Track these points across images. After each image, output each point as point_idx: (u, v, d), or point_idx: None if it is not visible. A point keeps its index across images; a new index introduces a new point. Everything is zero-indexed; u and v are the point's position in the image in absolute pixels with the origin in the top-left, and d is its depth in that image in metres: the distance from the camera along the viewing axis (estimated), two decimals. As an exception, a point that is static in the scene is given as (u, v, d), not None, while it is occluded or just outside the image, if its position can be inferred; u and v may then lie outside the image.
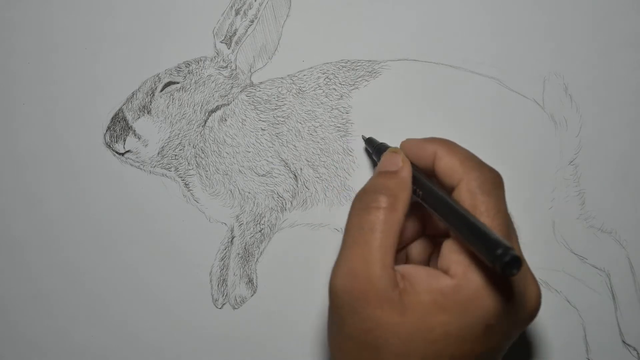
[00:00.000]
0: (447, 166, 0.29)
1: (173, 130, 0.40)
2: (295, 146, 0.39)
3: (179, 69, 0.40)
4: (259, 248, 0.39)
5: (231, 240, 0.40)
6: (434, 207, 0.28)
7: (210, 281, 0.39)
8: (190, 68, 0.40)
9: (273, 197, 0.40)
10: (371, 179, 0.30)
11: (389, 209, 0.27)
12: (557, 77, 0.39)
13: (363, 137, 0.38)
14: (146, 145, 0.40)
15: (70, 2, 0.40)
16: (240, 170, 0.40)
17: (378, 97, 0.39)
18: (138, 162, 0.40)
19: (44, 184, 0.40)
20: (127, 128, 0.39)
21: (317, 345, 0.39)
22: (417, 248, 0.33)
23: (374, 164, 0.38)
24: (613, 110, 0.39)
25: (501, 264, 0.23)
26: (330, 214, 0.39)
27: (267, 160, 0.39)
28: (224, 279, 0.39)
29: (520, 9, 0.39)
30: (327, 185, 0.39)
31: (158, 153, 0.40)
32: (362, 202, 0.28)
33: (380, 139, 0.37)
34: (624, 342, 0.38)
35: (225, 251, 0.40)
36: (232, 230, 0.40)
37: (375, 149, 0.36)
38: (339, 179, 0.39)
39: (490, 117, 0.39)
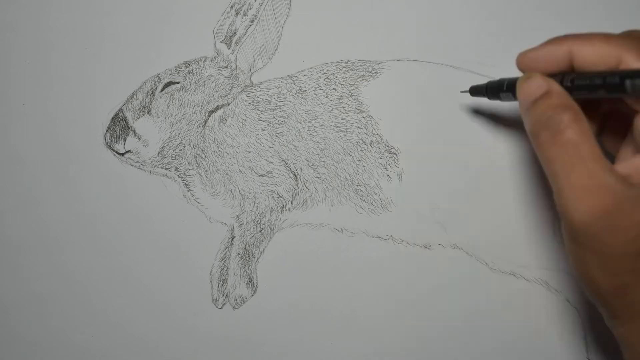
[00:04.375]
0: (594, 53, 0.27)
1: (173, 131, 0.40)
2: (295, 146, 0.39)
3: (179, 69, 0.40)
4: (259, 248, 0.39)
5: (231, 240, 0.40)
6: (608, 89, 0.26)
7: (211, 281, 0.39)
8: (191, 68, 0.40)
9: (273, 197, 0.40)
10: (530, 114, 0.29)
11: (576, 120, 0.26)
12: (557, 77, 0.39)
13: (463, 91, 0.37)
14: (146, 145, 0.40)
15: (70, 2, 0.40)
16: (240, 171, 0.40)
17: (381, 97, 0.39)
18: (138, 162, 0.40)
19: (43, 184, 0.40)
20: (127, 128, 0.39)
21: (318, 345, 0.39)
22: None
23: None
24: (613, 110, 0.39)
25: None
26: (330, 214, 0.39)
27: (267, 160, 0.39)
28: (224, 279, 0.39)
29: (521, 9, 0.39)
30: (327, 185, 0.39)
31: (158, 153, 0.40)
32: (548, 132, 0.27)
33: (381, 138, 0.37)
34: (623, 342, 0.38)
35: (225, 251, 0.40)
36: (232, 230, 0.40)
37: (493, 88, 0.33)
38: (339, 179, 0.39)
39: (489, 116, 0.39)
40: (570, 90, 0.28)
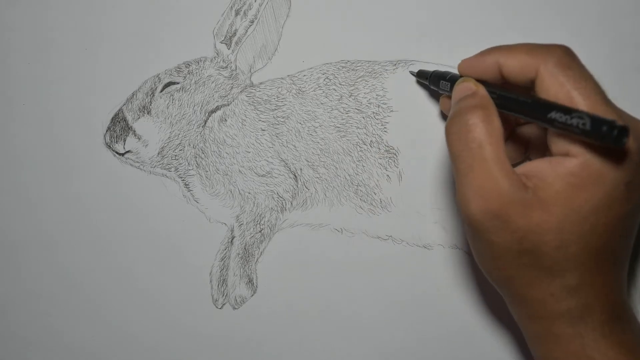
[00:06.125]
0: (516, 64, 0.29)
1: (173, 131, 0.40)
2: (295, 146, 0.39)
3: (179, 69, 0.40)
4: (259, 248, 0.40)
5: (231, 241, 0.40)
6: (524, 112, 0.28)
7: (210, 281, 0.40)
8: (190, 68, 0.40)
9: (273, 198, 0.40)
10: (453, 108, 0.30)
11: (485, 121, 0.28)
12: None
13: (412, 72, 0.39)
14: (146, 145, 0.40)
15: (70, 2, 0.40)
16: (240, 171, 0.40)
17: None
18: (138, 162, 0.40)
19: (43, 184, 0.40)
20: (127, 128, 0.39)
21: (318, 345, 0.39)
22: (509, 149, 0.34)
23: (434, 92, 0.38)
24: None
25: (612, 139, 0.23)
26: (330, 214, 0.39)
27: (267, 161, 0.39)
28: (224, 279, 0.39)
29: (521, 9, 0.39)
30: (327, 186, 0.39)
31: (158, 153, 0.40)
32: (458, 126, 0.28)
33: (380, 138, 0.37)
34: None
35: (225, 251, 0.40)
36: (232, 231, 0.40)
37: (432, 78, 0.36)
38: (338, 179, 0.39)
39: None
40: (497, 103, 0.29)
